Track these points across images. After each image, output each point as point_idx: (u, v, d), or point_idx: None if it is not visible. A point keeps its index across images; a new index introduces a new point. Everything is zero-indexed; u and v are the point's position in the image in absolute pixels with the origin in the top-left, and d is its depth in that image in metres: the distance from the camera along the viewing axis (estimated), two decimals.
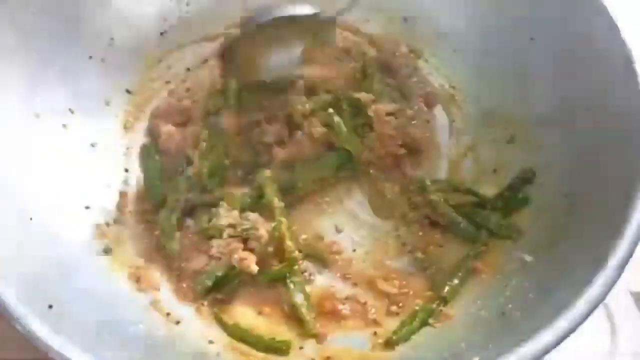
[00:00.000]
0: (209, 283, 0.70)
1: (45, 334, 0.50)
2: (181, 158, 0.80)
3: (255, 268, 0.69)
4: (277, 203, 0.75)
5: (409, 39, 0.91)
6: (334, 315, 0.71)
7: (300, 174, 0.78)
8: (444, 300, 0.70)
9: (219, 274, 0.70)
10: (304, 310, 0.69)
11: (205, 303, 0.70)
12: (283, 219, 0.72)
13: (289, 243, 0.71)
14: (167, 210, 0.74)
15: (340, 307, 0.71)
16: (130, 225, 0.76)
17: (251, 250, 0.71)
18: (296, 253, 0.72)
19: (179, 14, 0.88)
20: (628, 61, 0.65)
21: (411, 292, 0.72)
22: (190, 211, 0.76)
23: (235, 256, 0.70)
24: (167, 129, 0.80)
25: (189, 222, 0.75)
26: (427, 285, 0.73)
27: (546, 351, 0.51)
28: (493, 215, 0.74)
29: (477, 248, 0.73)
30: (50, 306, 0.54)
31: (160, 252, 0.73)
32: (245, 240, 0.72)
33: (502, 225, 0.74)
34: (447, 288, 0.70)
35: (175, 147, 0.80)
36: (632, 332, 0.73)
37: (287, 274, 0.71)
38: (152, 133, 0.81)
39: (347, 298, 0.72)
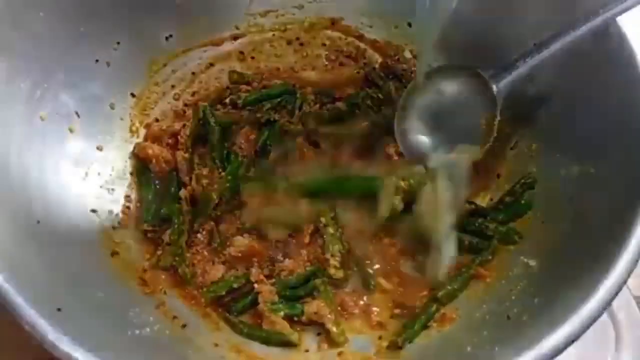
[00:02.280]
0: (222, 292, 0.71)
1: (54, 335, 0.50)
2: (173, 180, 0.80)
3: (271, 294, 0.70)
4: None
5: (413, 45, 0.92)
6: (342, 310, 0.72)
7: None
8: (440, 303, 0.70)
9: (235, 285, 0.71)
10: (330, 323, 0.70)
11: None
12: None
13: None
14: (174, 234, 0.74)
15: (351, 303, 0.72)
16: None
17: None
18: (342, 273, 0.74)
19: (184, 18, 0.88)
20: (633, 67, 0.65)
21: (407, 292, 0.73)
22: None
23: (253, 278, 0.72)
24: (155, 152, 0.80)
25: (198, 236, 0.76)
26: (426, 288, 0.73)
27: (551, 356, 0.51)
28: (491, 223, 0.75)
29: (482, 257, 0.73)
30: (59, 309, 0.54)
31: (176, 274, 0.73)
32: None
33: (501, 231, 0.74)
34: (442, 291, 0.70)
35: (166, 170, 0.80)
36: (636, 337, 0.73)
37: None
38: (142, 156, 0.81)
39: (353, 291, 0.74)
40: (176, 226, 0.73)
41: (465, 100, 0.78)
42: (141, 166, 0.81)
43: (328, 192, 0.79)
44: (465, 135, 0.78)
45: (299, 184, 0.79)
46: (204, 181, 0.78)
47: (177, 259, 0.72)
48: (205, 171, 0.79)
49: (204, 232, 0.75)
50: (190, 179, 0.78)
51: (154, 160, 0.79)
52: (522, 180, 0.77)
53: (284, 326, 0.68)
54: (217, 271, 0.73)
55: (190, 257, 0.73)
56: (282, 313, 0.69)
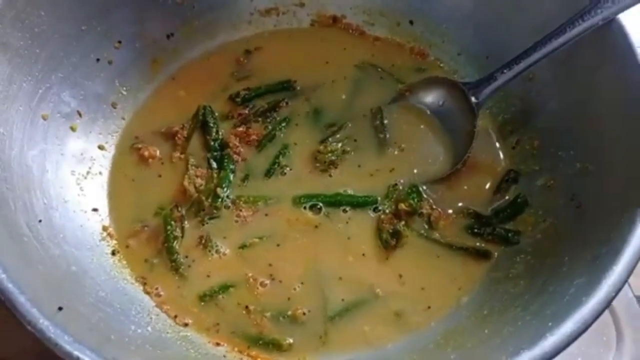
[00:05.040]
0: (218, 291, 0.71)
1: (55, 335, 0.50)
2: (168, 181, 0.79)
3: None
4: None
5: (414, 42, 0.91)
6: None
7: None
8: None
9: (230, 284, 0.71)
10: None
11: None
12: None
13: None
14: (167, 241, 0.73)
15: None
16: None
17: None
18: None
19: (185, 16, 0.88)
20: (634, 65, 0.64)
21: None
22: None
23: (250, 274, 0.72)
24: (151, 153, 0.80)
25: (193, 239, 0.75)
26: None
27: (552, 355, 0.51)
28: (489, 227, 0.75)
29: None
30: (60, 308, 0.54)
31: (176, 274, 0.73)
32: None
33: (500, 233, 0.74)
34: None
35: (162, 170, 0.80)
36: (638, 336, 0.72)
37: None
38: (140, 157, 0.81)
39: None
40: (169, 232, 0.73)
41: (446, 111, 0.81)
42: (139, 166, 0.81)
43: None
44: (445, 146, 0.81)
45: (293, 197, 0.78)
46: (198, 182, 0.78)
47: (173, 264, 0.72)
48: (199, 173, 0.79)
49: (197, 237, 0.74)
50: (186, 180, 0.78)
51: (150, 161, 0.80)
52: (506, 177, 0.78)
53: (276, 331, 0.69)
54: (214, 274, 0.72)
55: (186, 260, 0.73)
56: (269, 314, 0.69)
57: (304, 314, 0.69)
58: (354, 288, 0.71)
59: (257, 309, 0.70)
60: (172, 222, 0.74)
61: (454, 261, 0.73)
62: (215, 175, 0.78)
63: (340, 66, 0.90)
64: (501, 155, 0.81)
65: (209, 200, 0.76)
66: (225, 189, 0.77)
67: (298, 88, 0.88)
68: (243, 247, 0.74)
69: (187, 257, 0.73)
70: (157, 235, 0.74)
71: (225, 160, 0.79)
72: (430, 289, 0.71)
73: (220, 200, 0.76)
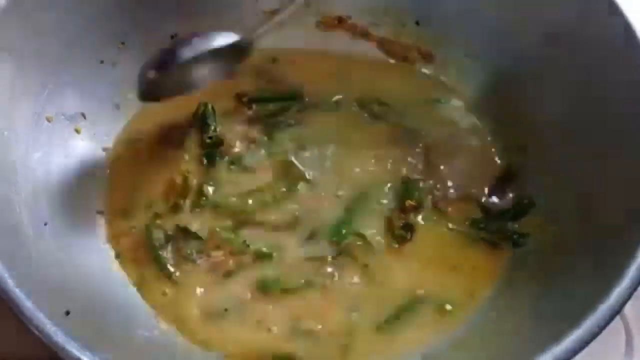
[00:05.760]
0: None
1: (63, 340, 0.50)
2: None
3: None
4: None
5: (421, 43, 0.91)
6: None
7: None
8: None
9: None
10: None
11: None
12: None
13: None
14: (155, 249, 0.72)
15: None
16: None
17: None
18: None
19: (188, 17, 0.87)
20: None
21: None
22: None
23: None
24: (153, 153, 0.80)
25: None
26: None
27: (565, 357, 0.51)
28: (494, 224, 0.74)
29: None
30: (67, 312, 0.54)
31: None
32: None
33: (506, 234, 0.74)
34: None
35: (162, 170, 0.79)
36: None
37: None
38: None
39: None
40: (154, 242, 0.72)
41: None
42: (141, 167, 0.79)
43: None
44: None
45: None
46: (190, 179, 0.77)
47: (164, 272, 0.71)
48: (192, 170, 0.78)
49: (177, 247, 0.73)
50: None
51: (152, 161, 0.79)
52: (505, 177, 0.78)
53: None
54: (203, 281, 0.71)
55: (175, 268, 0.71)
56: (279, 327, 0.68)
57: (320, 328, 0.67)
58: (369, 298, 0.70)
59: (267, 321, 0.68)
60: (154, 230, 0.73)
61: (469, 252, 0.73)
62: (205, 172, 0.78)
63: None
64: (502, 155, 0.81)
65: (194, 198, 0.75)
66: (211, 187, 0.76)
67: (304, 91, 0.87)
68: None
69: (172, 264, 0.71)
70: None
71: (217, 158, 0.79)
72: (449, 283, 0.70)
73: (205, 198, 0.75)
